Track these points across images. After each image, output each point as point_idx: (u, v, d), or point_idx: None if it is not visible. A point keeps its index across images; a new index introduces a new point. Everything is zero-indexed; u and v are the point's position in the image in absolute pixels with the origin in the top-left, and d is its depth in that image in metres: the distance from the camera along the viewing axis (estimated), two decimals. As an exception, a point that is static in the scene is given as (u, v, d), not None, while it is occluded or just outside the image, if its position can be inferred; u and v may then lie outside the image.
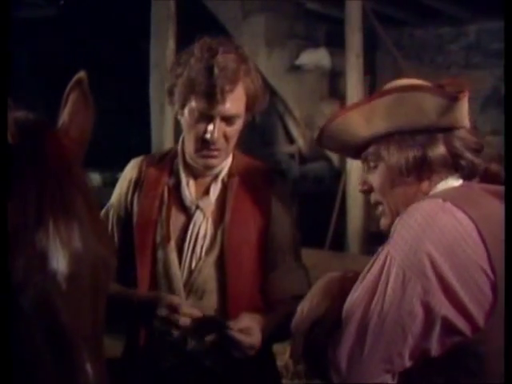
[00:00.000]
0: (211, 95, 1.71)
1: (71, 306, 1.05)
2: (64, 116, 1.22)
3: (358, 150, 1.56)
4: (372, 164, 1.51)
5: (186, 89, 1.74)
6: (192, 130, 1.78)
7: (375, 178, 1.51)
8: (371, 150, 1.51)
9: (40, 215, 1.05)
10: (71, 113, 1.21)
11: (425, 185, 1.45)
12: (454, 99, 1.41)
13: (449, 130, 1.44)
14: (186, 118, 1.79)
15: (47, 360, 1.02)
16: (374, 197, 1.54)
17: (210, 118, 1.74)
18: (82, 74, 1.23)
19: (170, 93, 1.81)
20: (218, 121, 1.74)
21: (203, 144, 1.77)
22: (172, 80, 1.79)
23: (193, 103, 1.74)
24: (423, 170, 1.44)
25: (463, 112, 1.43)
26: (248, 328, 1.68)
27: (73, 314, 1.04)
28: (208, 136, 1.74)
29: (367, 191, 1.55)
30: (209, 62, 1.72)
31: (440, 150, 1.43)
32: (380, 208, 1.54)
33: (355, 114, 1.50)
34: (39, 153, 1.10)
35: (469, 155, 1.43)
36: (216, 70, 1.70)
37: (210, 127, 1.74)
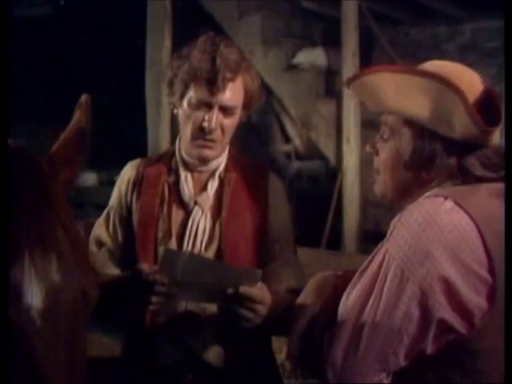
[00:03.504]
0: (212, 82, 1.75)
1: (46, 342, 1.00)
2: (56, 143, 1.18)
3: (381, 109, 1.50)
4: (385, 135, 1.47)
5: (188, 76, 1.77)
6: (190, 119, 1.80)
7: (383, 150, 1.48)
8: (390, 120, 1.45)
9: (16, 248, 1.00)
10: (62, 142, 1.18)
11: (424, 180, 1.41)
12: (483, 132, 1.34)
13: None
14: (184, 108, 1.81)
15: None
16: (376, 162, 1.51)
17: (208, 107, 1.77)
18: (83, 97, 1.21)
19: (170, 83, 1.83)
20: (216, 110, 1.77)
21: (200, 133, 1.79)
22: (173, 71, 1.82)
23: (192, 92, 1.78)
24: (426, 169, 1.40)
25: (490, 137, 1.37)
26: (258, 286, 1.68)
27: (48, 351, 1.00)
28: (206, 124, 1.77)
29: (373, 154, 1.51)
30: (211, 53, 1.77)
31: (451, 161, 1.38)
32: (377, 176, 1.51)
33: (391, 80, 1.42)
34: (17, 183, 1.05)
35: (480, 171, 1.38)
36: (218, 60, 1.75)
37: (209, 115, 1.77)
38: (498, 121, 1.36)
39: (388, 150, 1.46)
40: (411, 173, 1.43)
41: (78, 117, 1.19)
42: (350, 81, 1.51)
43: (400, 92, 1.41)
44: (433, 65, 1.47)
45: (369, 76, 1.46)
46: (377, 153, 1.50)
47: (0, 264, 0.99)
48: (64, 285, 1.03)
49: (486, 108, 1.37)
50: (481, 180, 1.39)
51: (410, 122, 1.41)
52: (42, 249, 1.02)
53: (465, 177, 1.39)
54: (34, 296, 1.00)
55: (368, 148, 1.53)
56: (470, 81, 1.42)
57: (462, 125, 1.35)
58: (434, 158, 1.38)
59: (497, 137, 1.40)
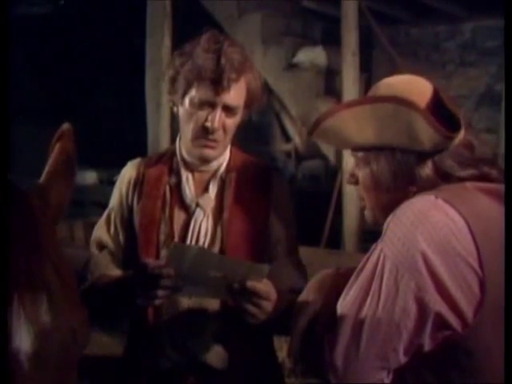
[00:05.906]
0: (217, 82, 1.73)
1: None
2: (44, 175, 1.14)
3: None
4: (361, 165, 1.50)
5: (192, 75, 1.75)
6: (192, 118, 1.78)
7: (362, 176, 1.51)
8: (361, 154, 1.49)
9: (5, 291, 0.96)
10: (50, 173, 1.14)
11: (409, 194, 1.43)
12: (447, 138, 1.37)
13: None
14: (186, 106, 1.79)
15: None
16: (359, 191, 1.55)
17: (212, 106, 1.76)
18: (65, 126, 1.18)
19: (172, 81, 1.81)
20: (219, 110, 1.76)
21: (202, 133, 1.78)
22: (175, 69, 1.80)
23: (195, 91, 1.76)
24: (409, 184, 1.43)
25: (458, 138, 1.39)
26: (264, 282, 1.68)
27: None
28: (209, 124, 1.76)
29: (354, 183, 1.54)
30: (216, 52, 1.75)
31: (428, 170, 1.41)
32: (363, 203, 1.55)
33: (348, 117, 1.46)
34: (2, 219, 1.00)
35: (460, 171, 1.41)
36: (223, 60, 1.73)
37: (212, 115, 1.76)
38: (458, 124, 1.37)
39: (367, 175, 1.49)
40: (394, 193, 1.45)
41: (62, 146, 1.16)
42: (312, 131, 1.52)
43: (361, 124, 1.44)
44: (385, 85, 1.49)
45: (327, 120, 1.48)
46: (357, 182, 1.53)
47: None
48: (54, 326, 1.00)
49: (443, 114, 1.39)
50: (464, 180, 1.41)
51: (380, 148, 1.44)
52: (31, 291, 0.98)
53: (447, 181, 1.41)
54: (22, 339, 0.96)
55: (348, 179, 1.55)
56: (421, 91, 1.44)
57: (428, 137, 1.38)
58: (413, 172, 1.41)
59: (461, 137, 1.42)
